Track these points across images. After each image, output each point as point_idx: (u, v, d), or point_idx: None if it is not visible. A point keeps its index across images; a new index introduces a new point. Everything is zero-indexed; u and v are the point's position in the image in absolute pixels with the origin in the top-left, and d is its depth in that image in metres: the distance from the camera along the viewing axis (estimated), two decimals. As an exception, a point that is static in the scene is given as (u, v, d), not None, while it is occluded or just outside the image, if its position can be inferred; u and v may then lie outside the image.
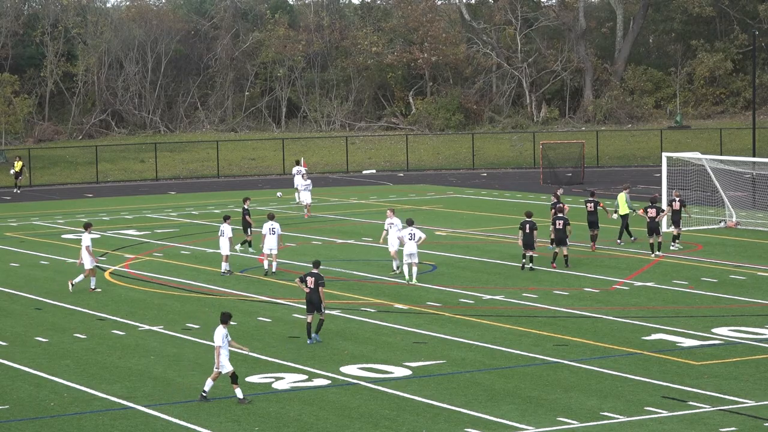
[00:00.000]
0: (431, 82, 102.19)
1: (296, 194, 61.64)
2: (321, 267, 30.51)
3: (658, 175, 52.76)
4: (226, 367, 24.59)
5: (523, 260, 40.34)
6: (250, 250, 44.27)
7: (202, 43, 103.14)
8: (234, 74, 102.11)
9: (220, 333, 24.80)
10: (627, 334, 30.22)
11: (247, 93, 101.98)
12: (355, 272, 40.10)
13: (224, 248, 39.83)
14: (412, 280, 37.44)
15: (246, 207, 44.46)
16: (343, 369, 27.00)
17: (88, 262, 37.40)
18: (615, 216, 45.96)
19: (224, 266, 40.06)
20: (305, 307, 30.18)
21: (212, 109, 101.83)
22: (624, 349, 28.60)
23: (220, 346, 24.62)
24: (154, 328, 31.85)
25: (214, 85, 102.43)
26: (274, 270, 39.68)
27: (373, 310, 33.67)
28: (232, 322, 25.55)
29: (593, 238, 44.36)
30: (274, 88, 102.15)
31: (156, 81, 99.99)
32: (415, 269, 37.65)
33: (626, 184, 47.83)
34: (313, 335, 29.87)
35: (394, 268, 39.50)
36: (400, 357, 28.13)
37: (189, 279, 39.33)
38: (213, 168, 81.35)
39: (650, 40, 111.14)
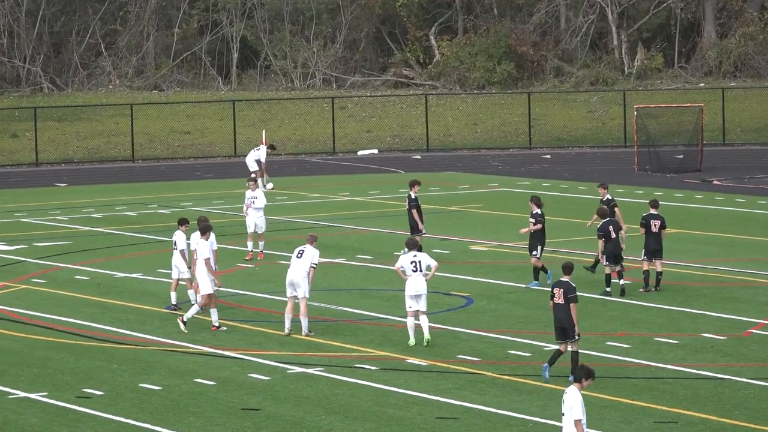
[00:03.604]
0: (464, 14, 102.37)
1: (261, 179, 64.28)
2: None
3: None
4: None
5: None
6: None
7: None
8: (157, 0, 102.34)
9: None
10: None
11: (177, 30, 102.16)
12: (345, 308, 40.14)
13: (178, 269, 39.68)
14: (425, 340, 35.54)
15: (413, 194, 46.55)
16: None
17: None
18: None
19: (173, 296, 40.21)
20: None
21: (123, 54, 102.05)
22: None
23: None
24: (32, 396, 31.87)
25: (126, 17, 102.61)
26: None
27: (374, 368, 33.63)
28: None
29: None
30: (220, 23, 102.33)
31: (36, 11, 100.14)
32: (425, 320, 35.49)
33: None
34: (570, 377, 29.30)
35: (287, 329, 36.91)
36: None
37: (88, 320, 39.34)
38: (124, 147, 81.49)
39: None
